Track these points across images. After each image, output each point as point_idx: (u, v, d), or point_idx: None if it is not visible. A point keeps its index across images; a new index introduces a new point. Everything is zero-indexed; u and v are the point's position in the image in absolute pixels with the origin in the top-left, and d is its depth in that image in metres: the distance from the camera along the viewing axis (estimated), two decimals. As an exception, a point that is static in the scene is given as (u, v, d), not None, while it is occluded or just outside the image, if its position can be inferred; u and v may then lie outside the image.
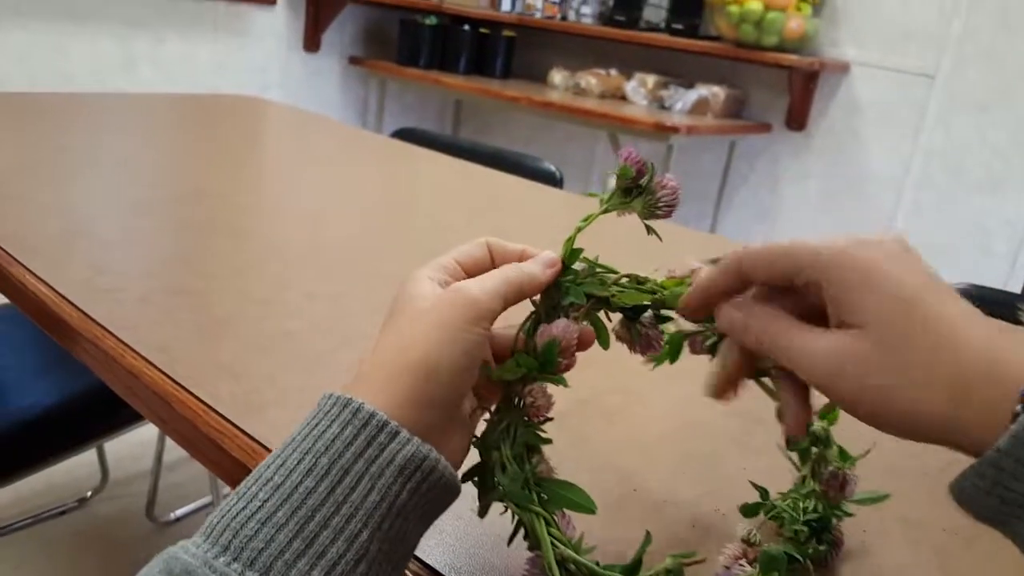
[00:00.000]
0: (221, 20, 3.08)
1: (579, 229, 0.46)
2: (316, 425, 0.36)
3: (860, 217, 2.89)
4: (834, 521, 0.47)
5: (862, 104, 2.87)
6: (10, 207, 0.88)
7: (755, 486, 0.49)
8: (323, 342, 0.66)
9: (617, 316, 0.45)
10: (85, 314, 0.64)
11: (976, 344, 0.33)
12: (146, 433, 1.49)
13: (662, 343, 0.45)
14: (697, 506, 0.51)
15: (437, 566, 0.43)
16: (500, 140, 3.67)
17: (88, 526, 1.65)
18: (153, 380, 0.57)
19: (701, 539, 0.48)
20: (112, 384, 0.61)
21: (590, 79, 3.20)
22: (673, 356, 0.44)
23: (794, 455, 0.49)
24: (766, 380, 0.46)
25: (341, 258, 0.88)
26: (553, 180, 1.52)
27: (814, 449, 0.47)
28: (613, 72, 3.23)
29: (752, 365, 0.41)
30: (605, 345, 0.44)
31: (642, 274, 0.45)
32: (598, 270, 0.45)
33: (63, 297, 0.67)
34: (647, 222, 0.47)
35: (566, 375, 0.41)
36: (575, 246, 0.45)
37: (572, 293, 0.43)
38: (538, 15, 3.38)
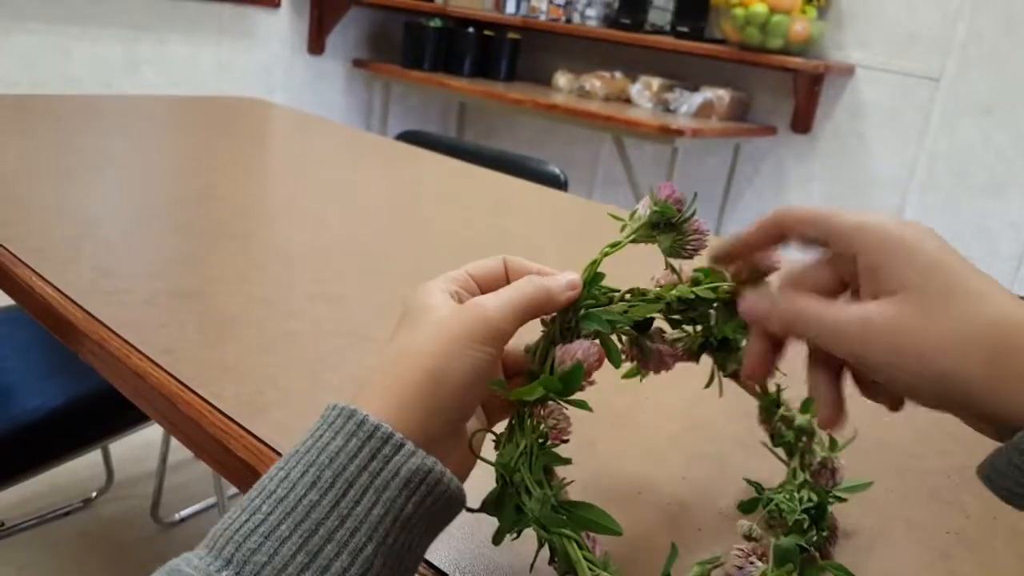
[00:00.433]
0: (225, 23, 3.09)
1: (605, 254, 0.44)
2: (320, 437, 0.35)
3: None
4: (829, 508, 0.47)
5: (867, 107, 2.87)
6: (15, 209, 0.88)
7: (749, 482, 0.49)
8: (327, 343, 0.66)
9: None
10: (91, 315, 0.65)
11: (1012, 312, 0.33)
12: (151, 434, 1.49)
13: (676, 358, 0.45)
14: (702, 507, 0.51)
15: (442, 565, 0.43)
16: (504, 143, 3.68)
17: (93, 527, 1.66)
18: (159, 381, 0.57)
19: (707, 541, 0.48)
20: (118, 385, 0.62)
21: (595, 82, 3.21)
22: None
23: (779, 450, 0.49)
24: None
25: (345, 260, 0.88)
26: (557, 183, 1.52)
27: (802, 441, 0.48)
28: (618, 75, 3.24)
29: (776, 353, 0.41)
30: (617, 364, 0.44)
31: (640, 286, 0.45)
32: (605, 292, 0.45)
33: (69, 299, 0.67)
34: (670, 260, 0.46)
35: None
36: (599, 270, 0.44)
37: (594, 320, 0.42)
38: (542, 17, 3.38)
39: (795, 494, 0.46)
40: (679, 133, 2.64)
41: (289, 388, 0.58)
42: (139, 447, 1.80)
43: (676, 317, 0.45)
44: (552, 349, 0.41)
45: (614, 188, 3.49)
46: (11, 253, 0.75)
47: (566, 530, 0.37)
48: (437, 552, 0.44)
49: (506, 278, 0.44)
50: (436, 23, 3.40)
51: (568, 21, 3.34)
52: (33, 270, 0.72)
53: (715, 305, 0.45)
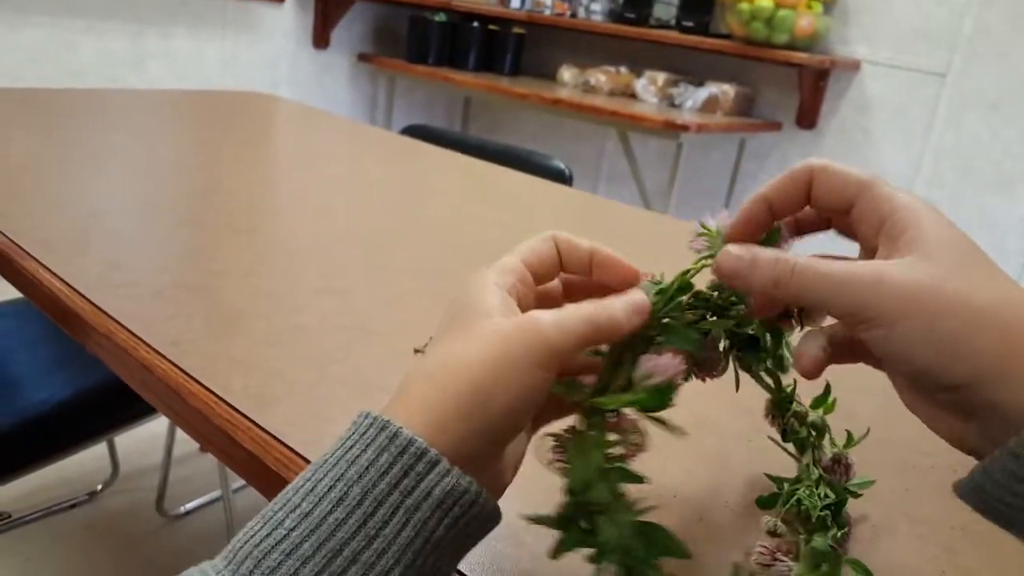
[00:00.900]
0: (230, 17, 3.09)
1: (692, 272, 0.41)
2: (350, 448, 0.33)
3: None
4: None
5: (873, 102, 2.86)
6: (23, 202, 0.88)
7: (771, 477, 0.49)
8: (333, 336, 0.66)
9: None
10: (98, 308, 0.65)
11: None
12: (156, 427, 1.50)
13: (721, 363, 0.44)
14: (705, 501, 0.51)
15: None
16: (509, 137, 3.67)
17: (98, 519, 1.67)
18: (166, 373, 0.57)
19: (711, 534, 0.48)
20: (125, 377, 0.62)
21: (600, 76, 3.20)
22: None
23: (788, 446, 0.49)
24: (763, 374, 0.46)
25: (350, 254, 0.88)
26: (562, 178, 1.52)
27: (812, 436, 0.48)
28: (623, 70, 3.23)
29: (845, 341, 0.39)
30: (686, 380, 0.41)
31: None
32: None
33: (76, 291, 0.67)
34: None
35: None
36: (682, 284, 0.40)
37: (679, 337, 0.39)
38: (548, 12, 3.37)
39: (814, 490, 0.46)
40: (684, 128, 2.63)
41: (296, 381, 0.58)
42: (144, 440, 1.81)
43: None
44: (625, 353, 0.38)
45: (619, 183, 3.49)
46: (18, 246, 0.75)
47: (650, 568, 0.35)
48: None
49: (559, 263, 0.41)
50: (441, 17, 3.40)
51: (573, 15, 3.34)
52: (40, 263, 0.72)
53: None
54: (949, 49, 2.67)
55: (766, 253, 0.36)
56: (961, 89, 2.67)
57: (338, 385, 0.58)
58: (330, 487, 0.32)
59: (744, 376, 0.46)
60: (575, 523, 0.36)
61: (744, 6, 2.74)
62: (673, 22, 3.09)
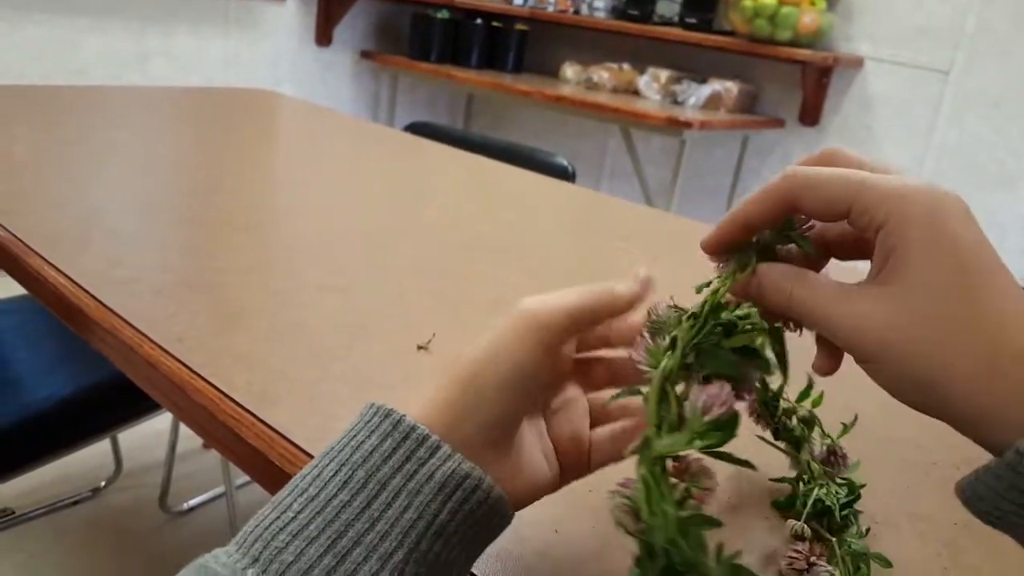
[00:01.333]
0: (233, 14, 3.09)
1: (723, 292, 0.38)
2: (355, 435, 0.34)
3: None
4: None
5: (875, 100, 2.85)
6: (27, 199, 0.89)
7: (785, 480, 0.49)
8: (336, 334, 0.66)
9: None
10: (103, 304, 0.65)
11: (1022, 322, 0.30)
12: (159, 424, 1.50)
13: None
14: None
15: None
16: (512, 134, 3.67)
17: (102, 516, 1.67)
18: (170, 369, 0.57)
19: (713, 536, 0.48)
20: (130, 373, 0.62)
21: (602, 73, 3.20)
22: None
23: (777, 443, 0.49)
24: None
25: (353, 251, 0.89)
26: (565, 174, 1.52)
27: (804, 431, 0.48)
28: (626, 66, 3.23)
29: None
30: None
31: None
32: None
33: (81, 288, 0.68)
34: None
35: None
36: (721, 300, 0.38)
37: (722, 362, 0.37)
38: (551, 9, 3.37)
39: (829, 489, 0.46)
40: (687, 125, 2.63)
41: (298, 378, 0.58)
42: (148, 437, 1.81)
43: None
44: (667, 387, 0.36)
45: (621, 180, 3.49)
46: (23, 242, 0.75)
47: None
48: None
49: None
50: (444, 14, 3.40)
51: (576, 12, 3.34)
52: (45, 259, 0.72)
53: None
54: (952, 47, 2.67)
55: (771, 276, 0.36)
56: (964, 87, 2.67)
57: (340, 382, 0.59)
58: (336, 471, 0.33)
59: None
60: None
61: (747, 3, 2.74)
62: (676, 19, 3.09)
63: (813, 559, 0.41)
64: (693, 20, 3.00)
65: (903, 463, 0.57)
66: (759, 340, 0.37)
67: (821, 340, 0.37)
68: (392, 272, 0.83)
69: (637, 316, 0.40)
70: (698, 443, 0.34)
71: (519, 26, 3.49)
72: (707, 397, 0.35)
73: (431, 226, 1.03)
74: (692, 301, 0.39)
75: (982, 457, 0.32)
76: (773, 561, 0.44)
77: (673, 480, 0.35)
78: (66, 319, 0.68)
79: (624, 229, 1.14)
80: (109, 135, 1.26)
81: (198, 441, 1.85)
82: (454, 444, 0.33)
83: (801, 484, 0.48)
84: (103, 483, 1.72)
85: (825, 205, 0.34)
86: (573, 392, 0.42)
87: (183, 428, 1.68)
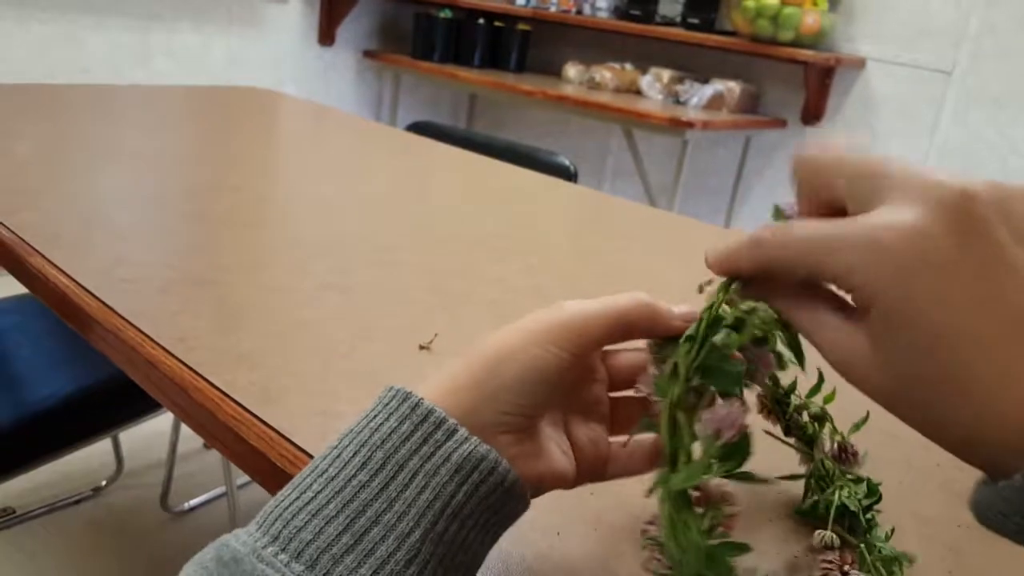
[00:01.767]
0: (236, 13, 3.09)
1: (715, 307, 0.37)
2: (374, 417, 0.35)
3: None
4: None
5: (878, 100, 2.85)
6: (29, 198, 0.88)
7: (795, 476, 0.48)
8: (339, 332, 0.66)
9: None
10: (105, 304, 0.65)
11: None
12: (161, 423, 1.50)
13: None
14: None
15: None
16: (514, 134, 3.67)
17: (103, 515, 1.67)
18: (172, 369, 0.57)
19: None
20: (131, 373, 0.62)
21: (605, 73, 3.20)
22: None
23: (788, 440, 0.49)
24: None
25: (356, 249, 0.88)
26: (567, 174, 1.51)
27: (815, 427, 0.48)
28: (628, 66, 3.23)
29: None
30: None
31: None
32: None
33: (83, 287, 0.68)
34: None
35: None
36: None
37: (728, 379, 0.36)
38: (553, 9, 3.37)
39: (851, 492, 0.45)
40: (689, 125, 2.63)
41: (301, 376, 0.58)
42: (149, 436, 1.81)
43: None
44: (677, 414, 0.36)
45: (624, 180, 3.49)
46: (25, 242, 0.75)
47: None
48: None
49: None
50: (446, 14, 3.40)
51: (579, 12, 3.33)
52: (47, 259, 0.72)
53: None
54: (955, 47, 2.66)
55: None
56: (967, 87, 2.67)
57: (343, 381, 0.58)
58: (355, 452, 0.34)
59: None
60: None
61: (749, 3, 2.74)
62: (678, 19, 3.08)
63: (847, 568, 0.41)
64: (695, 20, 3.00)
65: (907, 464, 0.57)
66: (770, 330, 0.36)
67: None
68: (394, 271, 0.83)
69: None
70: (715, 470, 0.34)
71: (522, 26, 3.49)
72: (717, 422, 0.35)
73: (433, 225, 1.02)
74: (693, 301, 0.39)
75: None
76: (797, 568, 0.44)
77: (698, 509, 0.35)
78: (68, 319, 0.68)
79: (626, 229, 1.14)
80: (112, 134, 1.26)
81: (199, 441, 1.85)
82: (471, 428, 0.34)
83: (814, 482, 0.47)
84: (104, 482, 1.72)
85: (797, 277, 0.33)
86: (599, 392, 0.42)
87: (184, 427, 1.67)
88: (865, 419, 0.48)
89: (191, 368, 0.57)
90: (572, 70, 3.33)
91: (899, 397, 0.30)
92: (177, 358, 0.58)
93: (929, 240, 0.28)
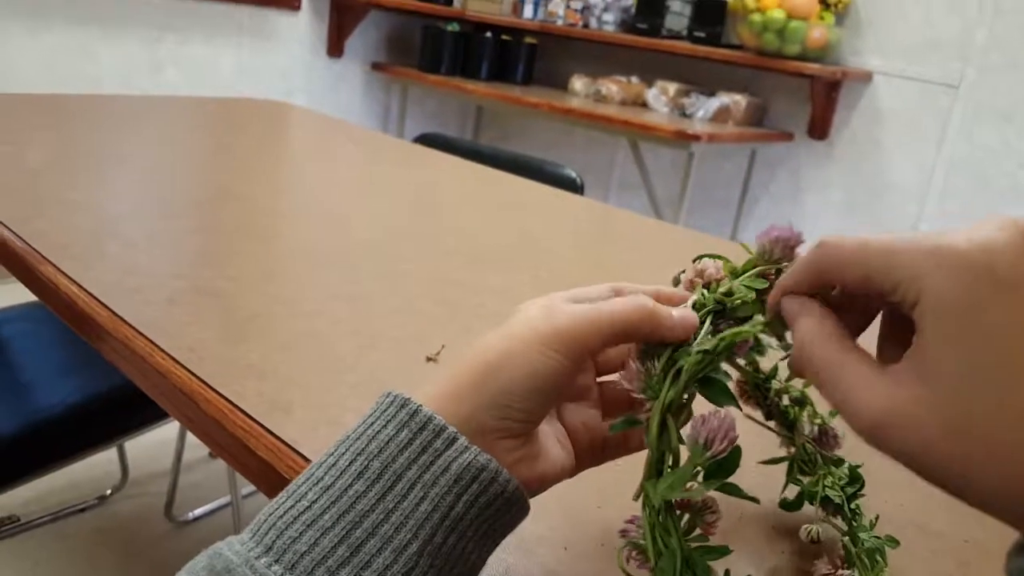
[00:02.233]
0: (246, 25, 3.11)
1: (716, 303, 0.38)
2: (371, 424, 0.34)
3: (883, 227, 2.87)
4: None
5: (885, 113, 2.85)
6: (40, 207, 0.89)
7: (775, 460, 0.48)
8: (347, 342, 0.66)
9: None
10: (115, 314, 0.65)
11: None
12: (166, 433, 1.50)
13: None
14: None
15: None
16: (521, 146, 3.67)
17: (107, 524, 1.67)
18: (181, 380, 0.57)
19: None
20: (140, 383, 0.62)
21: (611, 86, 3.21)
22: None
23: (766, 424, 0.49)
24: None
25: (364, 260, 0.89)
26: (574, 186, 1.52)
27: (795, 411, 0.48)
28: (634, 79, 3.24)
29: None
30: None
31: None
32: None
33: (93, 297, 0.68)
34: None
35: None
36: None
37: (720, 392, 0.36)
38: (560, 22, 3.39)
39: (834, 482, 0.45)
40: (695, 138, 2.63)
41: (309, 387, 0.58)
42: (154, 445, 1.82)
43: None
44: (666, 417, 0.36)
45: (630, 192, 3.49)
46: (35, 251, 0.76)
47: None
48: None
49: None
50: (454, 27, 3.41)
51: (585, 26, 3.35)
52: (57, 268, 0.73)
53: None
54: (961, 60, 2.66)
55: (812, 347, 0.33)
56: (974, 100, 2.67)
57: (350, 392, 0.59)
58: (351, 461, 0.33)
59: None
60: None
61: (756, 17, 2.74)
62: (685, 33, 3.09)
63: (842, 572, 0.41)
64: (702, 34, 3.01)
65: (913, 478, 0.57)
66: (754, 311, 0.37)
67: (885, 335, 0.34)
68: (402, 282, 0.83)
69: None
70: (704, 485, 0.34)
71: (528, 39, 3.50)
72: (705, 430, 0.35)
73: (441, 236, 1.03)
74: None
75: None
76: (786, 565, 0.44)
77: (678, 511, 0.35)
78: (77, 328, 0.68)
79: (632, 241, 1.14)
80: (122, 144, 1.27)
81: (204, 450, 1.85)
82: (470, 434, 0.33)
83: (795, 466, 0.47)
84: (109, 491, 1.73)
85: (854, 284, 0.31)
86: (588, 379, 0.42)
87: (190, 437, 1.68)
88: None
89: (201, 379, 0.57)
90: (578, 83, 3.34)
91: (951, 440, 0.27)
92: (187, 369, 0.59)
93: (1003, 256, 0.27)
